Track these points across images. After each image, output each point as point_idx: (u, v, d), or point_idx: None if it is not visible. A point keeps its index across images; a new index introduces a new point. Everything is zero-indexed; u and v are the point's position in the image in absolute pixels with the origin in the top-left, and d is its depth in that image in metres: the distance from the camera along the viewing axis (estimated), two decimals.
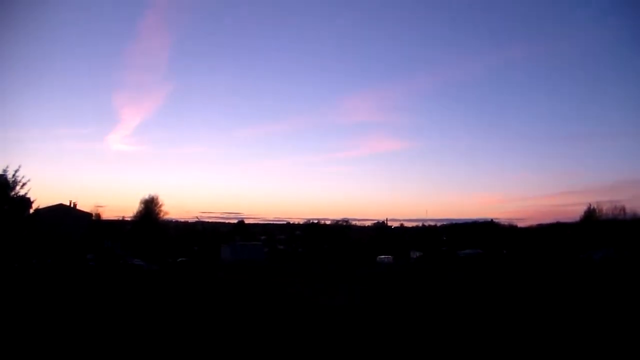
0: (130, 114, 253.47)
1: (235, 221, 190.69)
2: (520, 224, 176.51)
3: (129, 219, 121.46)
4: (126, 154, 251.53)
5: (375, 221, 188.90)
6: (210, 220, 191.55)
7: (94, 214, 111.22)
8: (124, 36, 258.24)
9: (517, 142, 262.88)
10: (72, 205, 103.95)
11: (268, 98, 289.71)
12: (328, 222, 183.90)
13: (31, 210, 61.10)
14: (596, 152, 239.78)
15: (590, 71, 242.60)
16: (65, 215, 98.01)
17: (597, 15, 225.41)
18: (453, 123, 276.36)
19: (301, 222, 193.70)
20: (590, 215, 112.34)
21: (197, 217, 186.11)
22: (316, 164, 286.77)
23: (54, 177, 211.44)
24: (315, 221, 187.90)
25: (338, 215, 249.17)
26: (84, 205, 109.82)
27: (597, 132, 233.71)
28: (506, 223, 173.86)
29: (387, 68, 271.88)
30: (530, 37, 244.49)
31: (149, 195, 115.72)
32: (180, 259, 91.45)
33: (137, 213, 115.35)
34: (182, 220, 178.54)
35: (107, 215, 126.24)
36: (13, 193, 54.88)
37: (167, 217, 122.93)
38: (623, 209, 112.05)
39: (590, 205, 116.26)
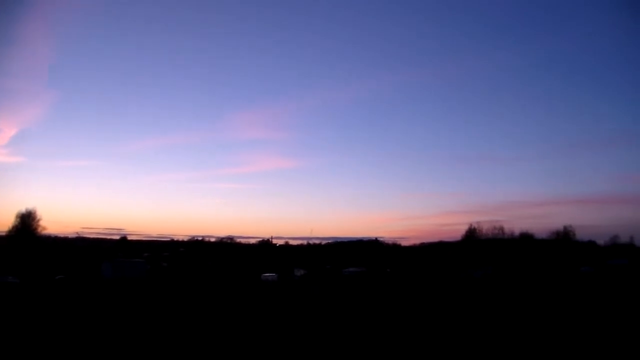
0: (7, 124, 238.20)
1: (118, 237, 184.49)
2: (404, 243, 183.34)
3: (3, 234, 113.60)
4: (1, 166, 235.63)
5: (260, 239, 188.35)
6: (91, 236, 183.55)
7: None
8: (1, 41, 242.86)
9: (403, 163, 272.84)
10: None
11: (157, 111, 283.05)
12: (213, 239, 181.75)
13: None
14: (478, 174, 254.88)
15: (476, 98, 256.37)
16: None
17: (483, 44, 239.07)
18: (341, 143, 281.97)
19: (185, 239, 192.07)
20: (471, 234, 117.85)
21: (77, 233, 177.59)
22: (202, 180, 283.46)
23: None
24: (200, 238, 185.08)
25: (223, 232, 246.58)
26: None
27: (478, 156, 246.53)
28: (390, 242, 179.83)
29: (279, 86, 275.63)
30: (417, 61, 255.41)
31: (26, 209, 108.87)
32: (58, 277, 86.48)
33: (12, 228, 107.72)
34: (62, 235, 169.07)
35: None
36: None
37: (45, 232, 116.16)
38: (502, 229, 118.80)
39: (471, 225, 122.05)
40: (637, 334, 21.08)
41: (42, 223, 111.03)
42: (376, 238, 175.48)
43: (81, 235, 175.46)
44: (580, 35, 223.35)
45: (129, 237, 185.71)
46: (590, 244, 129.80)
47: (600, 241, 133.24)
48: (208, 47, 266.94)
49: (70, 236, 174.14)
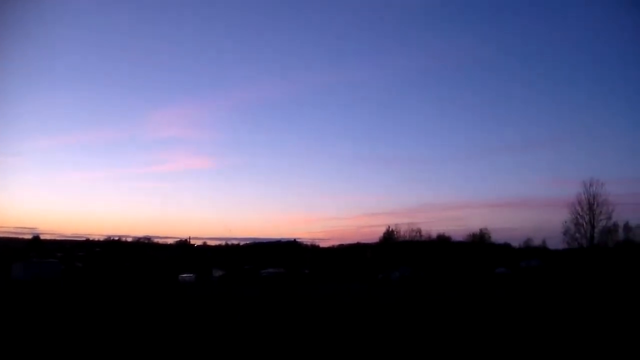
0: None
1: (30, 237, 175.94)
2: (323, 244, 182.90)
3: None
4: None
5: (178, 239, 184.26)
6: (1, 236, 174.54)
7: None
8: None
9: (323, 163, 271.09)
10: None
11: (73, 107, 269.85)
12: (130, 239, 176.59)
13: None
14: (396, 176, 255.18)
15: (395, 99, 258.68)
16: None
17: (398, 44, 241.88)
18: (259, 143, 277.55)
19: (101, 239, 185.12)
20: (389, 236, 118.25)
21: None
22: (119, 179, 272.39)
23: None
24: (116, 238, 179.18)
25: (140, 232, 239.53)
26: None
27: (396, 157, 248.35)
28: (309, 243, 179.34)
29: (198, 84, 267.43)
30: (334, 62, 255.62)
31: None
32: None
33: None
34: None
35: None
36: None
37: None
38: (419, 231, 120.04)
39: (389, 227, 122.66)
40: (550, 329, 20.68)
41: None
42: (295, 239, 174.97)
43: None
44: (497, 37, 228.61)
45: (42, 237, 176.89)
46: (506, 247, 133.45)
47: (515, 243, 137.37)
48: (126, 44, 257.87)
49: None
